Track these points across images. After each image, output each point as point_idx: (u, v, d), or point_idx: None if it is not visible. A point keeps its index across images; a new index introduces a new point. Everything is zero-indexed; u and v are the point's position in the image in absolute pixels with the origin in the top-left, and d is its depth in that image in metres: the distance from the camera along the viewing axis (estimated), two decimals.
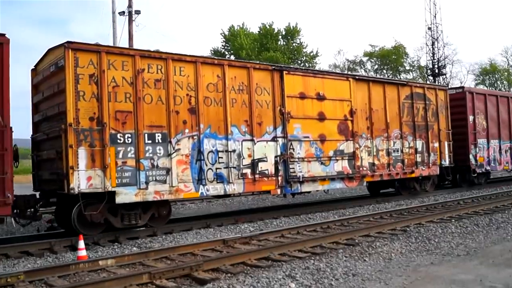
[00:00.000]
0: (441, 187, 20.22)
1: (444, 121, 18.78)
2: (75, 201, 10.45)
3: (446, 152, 18.69)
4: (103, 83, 10.59)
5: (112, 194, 10.56)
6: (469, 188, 20.22)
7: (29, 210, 10.86)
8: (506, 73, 65.29)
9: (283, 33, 52.02)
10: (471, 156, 20.06)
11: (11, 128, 9.36)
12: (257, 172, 12.97)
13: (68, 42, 10.32)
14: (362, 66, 61.44)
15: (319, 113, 14.53)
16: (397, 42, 61.08)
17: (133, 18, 26.31)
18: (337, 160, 14.87)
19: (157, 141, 11.27)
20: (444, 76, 55.20)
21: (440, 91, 18.87)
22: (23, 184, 14.37)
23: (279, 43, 51.43)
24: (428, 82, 43.18)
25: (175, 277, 7.14)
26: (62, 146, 10.20)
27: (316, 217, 13.35)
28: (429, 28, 52.39)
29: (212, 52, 51.25)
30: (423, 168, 17.66)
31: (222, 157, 12.34)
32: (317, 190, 15.55)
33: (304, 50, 52.34)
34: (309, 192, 14.99)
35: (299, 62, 50.44)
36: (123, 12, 26.39)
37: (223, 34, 52.29)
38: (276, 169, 13.38)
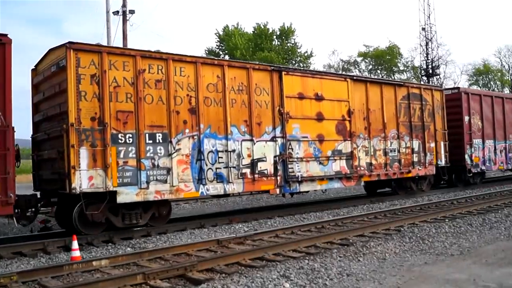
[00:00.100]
0: (436, 186, 20.35)
1: (440, 122, 18.95)
2: (76, 201, 10.49)
3: (442, 152, 18.86)
4: (105, 83, 10.63)
5: (113, 193, 10.60)
6: (464, 187, 20.40)
7: (30, 209, 10.88)
8: (499, 74, 65.79)
9: (278, 33, 52.12)
10: (466, 156, 20.23)
11: (13, 128, 9.39)
12: (257, 172, 13.05)
13: (69, 42, 10.35)
14: (357, 66, 61.67)
15: (317, 113, 14.63)
16: (391, 42, 61.56)
17: (127, 18, 26.21)
18: (335, 160, 14.97)
19: (157, 141, 11.32)
20: (438, 77, 55.65)
21: (436, 92, 19.04)
22: (22, 183, 14.36)
23: (273, 43, 51.53)
24: (423, 83, 43.38)
25: (169, 277, 7.13)
26: (64, 146, 10.24)
27: (311, 217, 13.40)
28: (423, 29, 52.79)
29: (207, 52, 51.29)
30: (420, 168, 17.80)
31: (222, 157, 12.41)
32: (315, 190, 15.61)
33: (299, 50, 52.52)
34: (307, 191, 15.07)
35: (294, 62, 50.55)
36: (117, 11, 26.29)
37: (217, 34, 52.37)
38: (275, 169, 13.46)
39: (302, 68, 18.64)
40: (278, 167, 13.53)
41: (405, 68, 60.84)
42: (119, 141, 10.77)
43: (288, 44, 51.95)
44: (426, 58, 53.37)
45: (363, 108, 16.01)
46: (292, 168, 13.85)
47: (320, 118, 14.68)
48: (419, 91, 18.17)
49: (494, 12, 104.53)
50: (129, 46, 22.72)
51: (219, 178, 12.32)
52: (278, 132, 13.61)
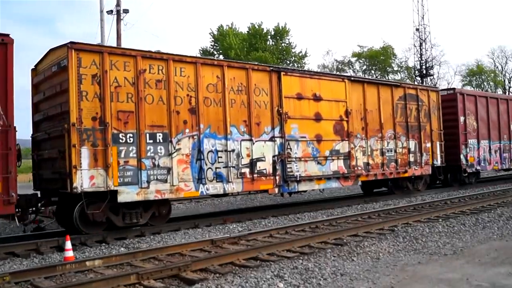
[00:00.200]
0: (432, 186, 20.50)
1: (436, 122, 19.11)
2: (76, 200, 10.53)
3: (438, 152, 19.02)
4: (106, 83, 10.67)
5: (114, 193, 10.64)
6: (459, 187, 20.58)
7: (30, 209, 10.90)
8: (492, 74, 66.22)
9: (272, 33, 52.08)
10: (462, 156, 20.39)
11: (15, 127, 9.41)
12: (256, 171, 13.12)
13: (71, 42, 10.38)
14: (351, 66, 61.90)
15: (315, 114, 14.74)
16: (385, 43, 61.80)
17: (122, 17, 26.07)
18: (333, 159, 15.08)
19: (158, 140, 11.37)
20: (432, 77, 55.98)
21: (432, 93, 19.20)
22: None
23: (268, 43, 51.47)
24: (416, 83, 43.59)
25: (163, 277, 7.11)
26: (65, 146, 10.27)
27: (305, 217, 13.44)
28: (417, 29, 53.14)
29: (201, 52, 51.22)
30: (416, 168, 17.95)
31: (221, 157, 12.47)
32: (313, 189, 15.71)
33: (293, 50, 52.49)
34: (305, 191, 15.17)
35: (288, 62, 50.59)
36: (111, 11, 26.15)
37: (212, 34, 52.25)
38: (274, 169, 13.54)
39: (300, 69, 18.67)
40: (277, 167, 13.61)
41: (399, 69, 61.19)
42: (120, 140, 10.82)
43: (283, 44, 51.94)
44: (420, 59, 53.77)
45: (361, 109, 16.13)
46: (291, 167, 13.94)
47: (318, 118, 14.78)
48: (416, 91, 18.32)
49: (488, 13, 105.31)
50: (123, 46, 22.69)
51: (218, 177, 12.39)
52: (276, 132, 13.70)
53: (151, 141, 11.26)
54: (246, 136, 13.02)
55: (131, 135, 10.98)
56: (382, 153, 16.68)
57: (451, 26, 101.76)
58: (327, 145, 14.97)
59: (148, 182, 11.11)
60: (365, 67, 61.44)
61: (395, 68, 61.19)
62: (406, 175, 17.66)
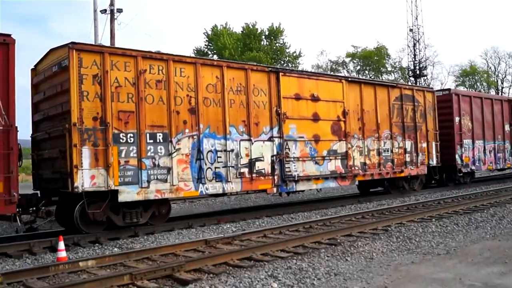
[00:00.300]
0: (427, 186, 20.66)
1: (432, 122, 19.28)
2: (77, 200, 10.55)
3: (434, 152, 19.19)
4: (106, 84, 10.71)
5: (115, 192, 10.69)
6: (454, 187, 20.77)
7: (31, 208, 10.91)
8: (485, 75, 66.72)
9: (266, 33, 52.16)
10: (457, 156, 20.56)
11: (16, 127, 9.43)
12: (254, 171, 13.20)
13: (72, 42, 10.41)
14: (345, 66, 62.20)
15: (313, 114, 14.83)
16: (379, 43, 62.08)
17: (115, 17, 25.96)
18: (331, 159, 15.18)
19: (158, 140, 11.42)
20: (425, 77, 56.31)
21: (428, 93, 19.37)
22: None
23: (262, 43, 51.57)
24: (415, 84, 43.82)
25: (157, 277, 7.09)
26: (66, 145, 10.29)
27: (299, 217, 13.48)
28: (411, 30, 53.48)
29: (195, 52, 51.21)
30: (412, 168, 18.10)
31: (220, 157, 12.54)
32: (310, 189, 15.80)
33: (287, 50, 52.64)
34: (303, 191, 15.26)
35: (282, 62, 50.71)
36: (105, 10, 26.01)
37: (206, 34, 52.26)
38: (273, 168, 13.63)
39: (298, 70, 18.77)
40: (275, 167, 13.70)
41: (393, 69, 61.55)
42: (121, 140, 10.86)
43: (277, 44, 52.05)
44: (413, 59, 54.13)
45: (358, 109, 16.24)
46: (289, 167, 14.03)
47: (316, 118, 14.88)
48: (412, 92, 18.47)
49: (481, 14, 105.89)
50: (116, 45, 22.60)
51: (218, 177, 12.46)
52: (275, 132, 13.79)
53: (151, 141, 11.31)
54: (245, 136, 13.10)
55: (132, 135, 11.03)
56: (379, 153, 16.81)
57: (445, 27, 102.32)
58: (325, 145, 15.07)
59: (148, 181, 11.16)
60: (359, 67, 61.76)
61: (389, 69, 61.62)
62: (402, 175, 17.81)
